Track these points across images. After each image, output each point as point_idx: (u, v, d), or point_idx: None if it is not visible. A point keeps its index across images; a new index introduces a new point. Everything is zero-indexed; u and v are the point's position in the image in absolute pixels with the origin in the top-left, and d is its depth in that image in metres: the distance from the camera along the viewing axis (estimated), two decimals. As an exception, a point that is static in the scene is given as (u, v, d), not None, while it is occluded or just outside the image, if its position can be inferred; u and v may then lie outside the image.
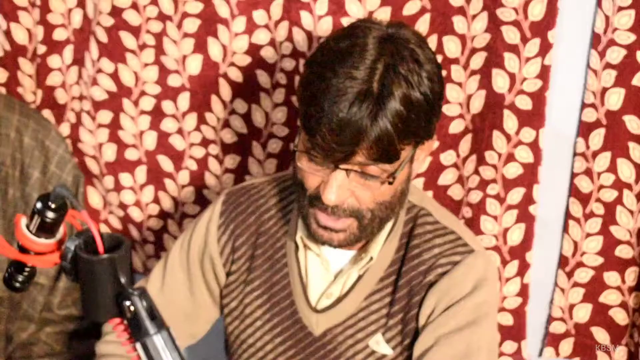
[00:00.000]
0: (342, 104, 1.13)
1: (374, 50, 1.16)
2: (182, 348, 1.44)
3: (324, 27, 1.61)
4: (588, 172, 1.64)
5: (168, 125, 1.77)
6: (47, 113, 1.78)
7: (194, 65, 1.70)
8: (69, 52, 1.74)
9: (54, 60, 1.74)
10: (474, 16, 1.56)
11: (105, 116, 1.78)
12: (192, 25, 1.67)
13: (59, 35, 1.72)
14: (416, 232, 1.34)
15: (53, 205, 0.87)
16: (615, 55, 1.54)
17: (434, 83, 1.19)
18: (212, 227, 1.42)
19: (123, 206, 1.84)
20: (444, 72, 1.60)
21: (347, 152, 1.15)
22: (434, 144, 1.27)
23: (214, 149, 1.76)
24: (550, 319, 1.77)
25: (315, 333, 1.35)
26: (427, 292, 1.30)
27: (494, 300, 1.36)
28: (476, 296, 1.29)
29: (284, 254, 1.38)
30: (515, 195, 1.66)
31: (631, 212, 1.64)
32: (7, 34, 1.70)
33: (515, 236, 1.68)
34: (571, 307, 1.73)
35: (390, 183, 1.20)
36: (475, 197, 1.68)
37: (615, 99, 1.57)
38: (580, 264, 1.70)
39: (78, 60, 1.75)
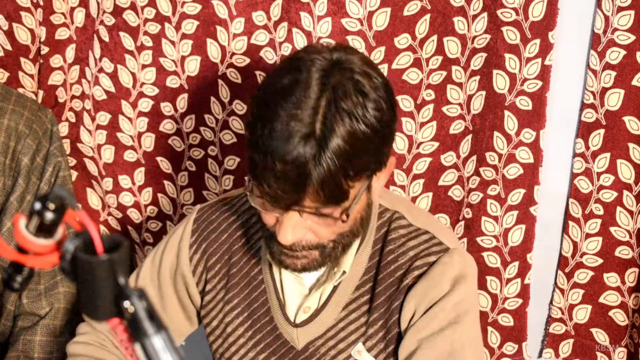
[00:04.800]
0: (286, 149, 1.09)
1: (317, 87, 1.11)
2: None
3: (324, 28, 1.61)
4: (588, 173, 1.64)
5: (167, 126, 1.76)
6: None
7: (193, 66, 1.70)
8: (71, 50, 1.74)
9: (56, 60, 1.74)
10: (475, 16, 1.56)
11: (104, 117, 1.78)
12: (190, 26, 1.67)
13: (61, 34, 1.72)
14: (390, 237, 1.32)
15: (51, 206, 0.86)
16: (615, 55, 1.54)
17: (382, 111, 1.13)
18: (184, 246, 1.40)
19: (122, 207, 1.84)
20: (444, 73, 1.62)
21: (293, 197, 1.12)
22: (392, 166, 1.24)
23: (213, 150, 1.76)
24: (549, 320, 1.77)
25: (298, 347, 1.34)
26: (405, 296, 1.29)
27: (473, 296, 1.33)
28: (455, 295, 1.28)
29: (259, 271, 1.37)
30: (516, 195, 1.65)
31: (631, 212, 1.64)
32: (9, 34, 1.70)
33: (516, 237, 1.68)
34: (571, 308, 1.73)
35: (344, 221, 1.17)
36: (475, 197, 1.68)
37: (615, 99, 1.57)
38: (580, 265, 1.70)
39: (80, 59, 1.75)
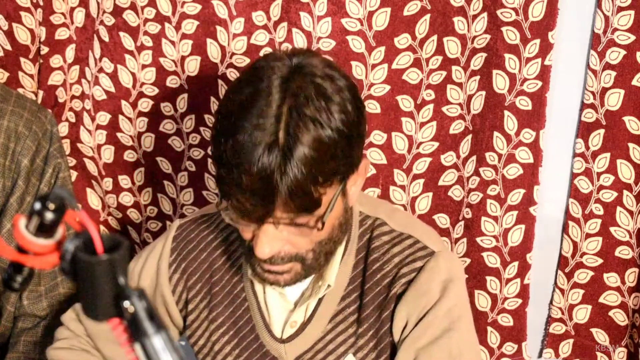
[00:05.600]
0: (251, 160, 1.06)
1: (277, 95, 1.08)
2: None
3: (324, 28, 1.61)
4: (588, 173, 1.64)
5: (166, 126, 1.76)
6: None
7: (193, 66, 1.70)
8: (71, 50, 1.74)
9: (55, 60, 1.74)
10: (475, 16, 1.56)
11: (103, 117, 1.78)
12: (190, 26, 1.67)
13: (61, 34, 1.72)
14: (373, 245, 1.30)
15: (51, 206, 0.86)
16: (615, 55, 1.54)
17: (347, 114, 1.11)
18: (163, 265, 1.38)
19: (122, 208, 1.84)
20: (444, 73, 1.62)
21: (263, 210, 1.10)
22: (367, 166, 1.22)
23: (213, 150, 1.76)
24: (549, 320, 1.76)
25: None
26: (396, 305, 1.27)
27: (464, 299, 1.32)
28: (446, 301, 1.26)
29: (242, 288, 1.35)
30: (516, 196, 1.65)
31: (631, 212, 1.64)
32: (9, 34, 1.70)
33: (516, 237, 1.68)
34: (571, 308, 1.73)
35: (319, 229, 1.14)
36: (475, 197, 1.68)
37: (615, 99, 1.57)
38: (580, 265, 1.70)
39: (80, 59, 1.75)
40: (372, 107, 1.65)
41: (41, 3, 1.68)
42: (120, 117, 1.77)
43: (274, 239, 1.15)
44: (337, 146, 1.10)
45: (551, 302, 1.76)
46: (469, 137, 1.65)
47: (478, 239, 1.70)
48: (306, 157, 1.07)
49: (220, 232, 1.37)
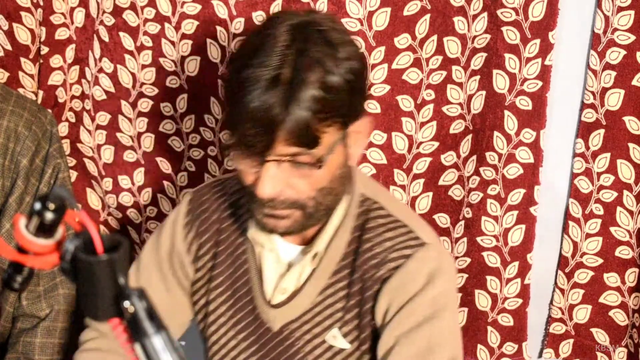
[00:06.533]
0: (254, 92, 1.13)
1: (285, 37, 1.15)
2: None
3: (323, 28, 1.61)
4: (588, 173, 1.64)
5: (166, 126, 1.76)
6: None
7: (192, 66, 1.70)
8: (71, 51, 1.74)
9: (55, 60, 1.74)
10: (475, 16, 1.56)
11: (103, 117, 1.78)
12: (190, 26, 1.67)
13: (61, 34, 1.72)
14: (368, 225, 1.32)
15: (51, 206, 0.86)
16: (615, 55, 1.54)
17: (352, 61, 1.17)
18: (179, 227, 1.42)
19: (122, 208, 1.84)
20: (444, 73, 1.62)
21: (266, 141, 1.14)
22: (368, 125, 1.26)
23: (213, 151, 1.76)
24: (550, 320, 1.76)
25: (274, 328, 1.35)
26: (380, 288, 1.29)
27: (451, 290, 1.33)
28: (431, 289, 1.27)
29: (243, 251, 1.38)
30: (516, 195, 1.65)
31: (631, 212, 1.64)
32: (9, 34, 1.70)
33: (516, 237, 1.68)
34: (571, 308, 1.73)
35: (319, 167, 1.18)
36: (475, 197, 1.68)
37: (615, 99, 1.57)
38: (580, 265, 1.70)
39: (80, 59, 1.75)
40: (372, 107, 1.65)
41: (41, 3, 1.68)
42: (120, 117, 1.77)
43: (275, 178, 1.18)
44: (340, 91, 1.15)
45: (551, 302, 1.76)
46: (469, 136, 1.65)
47: (478, 239, 1.70)
48: (309, 94, 1.13)
49: (230, 196, 1.41)
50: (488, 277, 1.72)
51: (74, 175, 1.83)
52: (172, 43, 1.69)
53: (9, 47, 1.71)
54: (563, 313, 1.74)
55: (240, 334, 1.38)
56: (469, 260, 1.72)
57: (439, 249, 1.31)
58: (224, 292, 1.39)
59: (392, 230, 1.31)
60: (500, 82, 1.59)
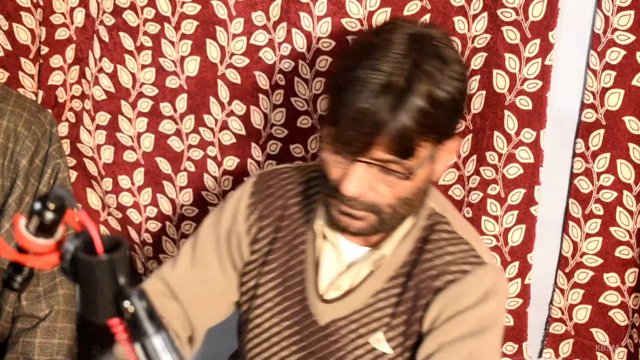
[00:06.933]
0: (364, 94, 1.15)
1: (402, 46, 1.17)
2: (203, 330, 1.43)
3: (324, 28, 1.61)
4: (588, 173, 1.64)
5: (166, 127, 1.76)
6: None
7: (192, 66, 1.70)
8: (71, 51, 1.74)
9: (55, 60, 1.74)
10: (475, 16, 1.56)
11: (103, 117, 1.78)
12: (189, 26, 1.67)
13: (61, 34, 1.72)
14: (432, 237, 1.34)
15: (51, 206, 0.86)
16: (615, 55, 1.54)
17: (459, 82, 1.20)
18: (242, 206, 1.43)
19: (122, 208, 1.84)
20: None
21: (365, 143, 1.16)
22: (457, 145, 1.27)
23: (212, 151, 1.76)
24: (549, 320, 1.76)
25: (320, 322, 1.36)
26: (434, 297, 1.30)
27: (501, 313, 1.35)
28: (483, 307, 1.29)
29: (302, 241, 1.39)
30: (516, 195, 1.65)
31: (631, 212, 1.64)
32: (9, 34, 1.70)
33: (516, 237, 1.68)
34: (571, 308, 1.73)
35: (408, 179, 1.21)
36: (475, 197, 1.68)
37: (615, 99, 1.57)
38: (580, 265, 1.70)
39: (80, 59, 1.75)
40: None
41: (41, 3, 1.68)
42: (120, 117, 1.77)
43: (362, 179, 1.20)
44: (444, 107, 1.18)
45: (551, 302, 1.75)
46: (470, 136, 1.65)
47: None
48: (418, 107, 1.15)
49: (297, 185, 1.42)
50: (488, 277, 1.72)
51: (74, 175, 1.83)
52: (172, 43, 1.69)
53: (9, 47, 1.71)
54: (563, 313, 1.74)
55: (284, 321, 1.38)
56: (469, 260, 1.72)
57: (497, 271, 1.34)
58: (275, 277, 1.39)
59: (454, 246, 1.33)
60: (500, 82, 1.59)
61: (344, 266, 1.35)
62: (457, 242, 1.33)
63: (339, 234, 1.33)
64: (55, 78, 1.75)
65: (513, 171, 1.64)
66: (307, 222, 1.39)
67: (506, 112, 1.61)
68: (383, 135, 1.15)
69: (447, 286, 1.30)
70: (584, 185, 1.65)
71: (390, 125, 1.14)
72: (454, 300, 1.29)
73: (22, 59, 1.72)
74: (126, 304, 0.82)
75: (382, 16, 1.58)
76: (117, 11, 1.68)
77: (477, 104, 1.63)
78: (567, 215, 1.68)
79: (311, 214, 1.38)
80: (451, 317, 1.29)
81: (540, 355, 1.81)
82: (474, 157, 1.66)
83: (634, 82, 1.55)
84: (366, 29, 1.25)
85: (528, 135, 1.61)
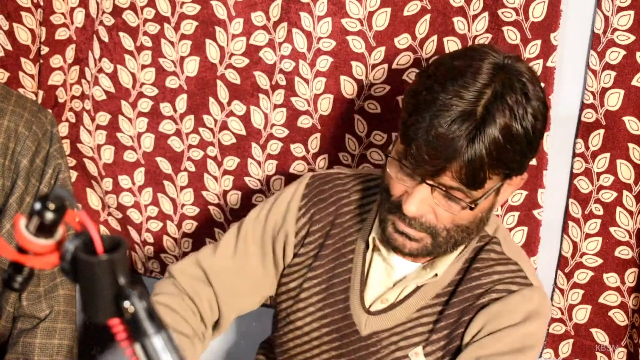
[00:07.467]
0: (444, 119, 1.14)
1: (487, 76, 1.17)
2: (231, 318, 1.43)
3: (324, 28, 1.61)
4: (588, 173, 1.64)
5: (166, 127, 1.76)
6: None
7: (192, 66, 1.70)
8: (71, 51, 1.74)
9: (56, 60, 1.74)
10: (475, 16, 1.56)
11: (103, 118, 1.78)
12: (189, 26, 1.67)
13: (61, 34, 1.72)
14: (480, 256, 1.34)
15: (51, 206, 0.86)
16: (615, 55, 1.54)
17: (538, 121, 1.19)
18: (293, 207, 1.43)
19: (122, 208, 1.84)
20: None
21: (437, 167, 1.16)
22: (522, 182, 1.27)
23: (212, 151, 1.76)
24: (549, 320, 1.76)
25: (362, 333, 1.36)
26: (477, 313, 1.31)
27: (541, 336, 1.35)
28: (525, 327, 1.29)
29: (351, 250, 1.39)
30: (517, 196, 1.65)
31: (630, 213, 1.64)
32: (9, 34, 1.70)
33: (517, 238, 1.68)
34: (570, 308, 1.73)
35: (471, 209, 1.21)
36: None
37: (615, 99, 1.57)
38: (579, 265, 1.69)
39: (80, 59, 1.75)
40: (372, 107, 1.65)
41: (41, 3, 1.68)
42: (120, 117, 1.77)
43: (424, 201, 1.20)
44: (519, 142, 1.17)
45: (551, 302, 1.75)
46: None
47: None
48: (495, 138, 1.14)
49: (352, 193, 1.42)
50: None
51: (74, 175, 1.83)
52: (172, 43, 1.69)
53: (9, 47, 1.71)
54: (563, 313, 1.74)
55: (325, 327, 1.39)
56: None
57: (543, 294, 1.34)
58: (319, 283, 1.40)
59: (502, 265, 1.33)
60: (500, 82, 1.59)
61: (392, 281, 1.35)
62: (505, 262, 1.34)
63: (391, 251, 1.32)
64: (55, 78, 1.75)
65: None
66: (358, 232, 1.39)
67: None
68: (456, 163, 1.15)
69: (492, 303, 1.30)
70: (583, 185, 1.65)
71: (465, 153, 1.14)
72: (496, 317, 1.29)
73: (23, 59, 1.72)
74: (126, 304, 0.82)
75: (382, 16, 1.58)
76: (116, 11, 1.68)
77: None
78: (567, 216, 1.68)
79: (363, 224, 1.38)
80: (492, 332, 1.29)
81: (540, 355, 1.81)
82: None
83: (634, 82, 1.55)
84: (450, 51, 1.24)
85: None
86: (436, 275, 1.32)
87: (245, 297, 1.46)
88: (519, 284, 1.31)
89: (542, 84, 1.24)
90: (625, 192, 1.63)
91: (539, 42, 1.54)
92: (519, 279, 1.32)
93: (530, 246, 1.68)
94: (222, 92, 1.71)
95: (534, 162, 1.62)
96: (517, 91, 1.17)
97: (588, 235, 1.67)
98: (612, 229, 1.66)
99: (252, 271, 1.44)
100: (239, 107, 1.71)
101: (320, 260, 1.40)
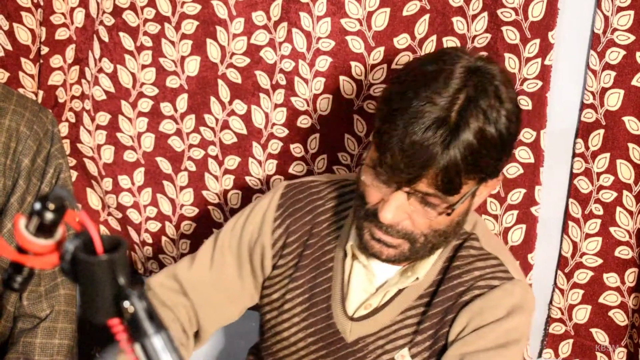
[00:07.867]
0: (418, 126, 1.13)
1: (459, 80, 1.16)
2: (211, 331, 1.43)
3: (323, 28, 1.61)
4: (587, 173, 1.64)
5: (166, 126, 1.76)
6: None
7: (192, 66, 1.70)
8: (71, 51, 1.74)
9: (55, 60, 1.74)
10: (474, 16, 1.56)
11: (103, 118, 1.78)
12: (190, 26, 1.67)
13: (61, 34, 1.72)
14: (460, 254, 1.34)
15: (51, 206, 0.86)
16: (615, 55, 1.54)
17: (511, 122, 1.18)
18: (269, 218, 1.42)
19: (122, 208, 1.84)
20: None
21: (413, 175, 1.15)
22: (498, 184, 1.27)
23: (213, 150, 1.76)
24: (549, 320, 1.76)
25: (348, 340, 1.36)
26: (460, 311, 1.31)
27: (526, 329, 1.35)
28: (508, 321, 1.29)
29: (330, 259, 1.38)
30: (516, 195, 1.65)
31: (630, 213, 1.64)
32: (10, 34, 1.70)
33: (516, 237, 1.68)
34: (570, 308, 1.73)
35: (448, 214, 1.20)
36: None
37: (615, 99, 1.57)
38: (579, 265, 1.70)
39: (80, 59, 1.75)
40: (372, 107, 1.65)
41: (41, 3, 1.69)
42: (120, 117, 1.77)
43: (400, 208, 1.20)
44: (494, 146, 1.17)
45: (551, 302, 1.75)
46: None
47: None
48: (469, 142, 1.14)
49: (327, 201, 1.42)
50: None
51: (74, 175, 1.83)
52: (172, 43, 1.69)
53: (9, 47, 1.71)
54: (563, 313, 1.74)
55: (310, 337, 1.39)
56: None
57: (525, 287, 1.33)
58: (302, 294, 1.39)
59: (482, 261, 1.33)
60: (500, 82, 1.59)
61: (374, 287, 1.35)
62: (485, 258, 1.33)
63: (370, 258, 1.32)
64: (55, 78, 1.75)
65: (513, 171, 1.64)
66: (335, 239, 1.39)
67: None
68: (432, 169, 1.14)
69: (474, 300, 1.30)
70: (583, 185, 1.65)
71: (440, 160, 1.13)
72: (479, 314, 1.29)
73: (23, 59, 1.72)
74: (126, 304, 0.83)
75: (382, 16, 1.58)
76: (117, 11, 1.68)
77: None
78: (567, 215, 1.68)
79: (340, 231, 1.38)
80: (476, 329, 1.28)
81: (540, 356, 1.81)
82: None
83: (634, 82, 1.55)
84: (421, 55, 1.22)
85: (528, 135, 1.61)
86: (417, 279, 1.31)
87: (224, 308, 1.46)
88: (500, 278, 1.31)
89: (514, 86, 1.24)
90: (625, 192, 1.63)
91: (537, 41, 1.54)
92: (500, 274, 1.31)
93: (528, 243, 1.68)
94: (224, 92, 1.71)
95: (531, 159, 1.62)
96: (490, 94, 1.16)
97: (588, 235, 1.67)
98: (612, 229, 1.66)
99: (229, 283, 1.44)
100: (240, 107, 1.71)
101: (300, 270, 1.39)
